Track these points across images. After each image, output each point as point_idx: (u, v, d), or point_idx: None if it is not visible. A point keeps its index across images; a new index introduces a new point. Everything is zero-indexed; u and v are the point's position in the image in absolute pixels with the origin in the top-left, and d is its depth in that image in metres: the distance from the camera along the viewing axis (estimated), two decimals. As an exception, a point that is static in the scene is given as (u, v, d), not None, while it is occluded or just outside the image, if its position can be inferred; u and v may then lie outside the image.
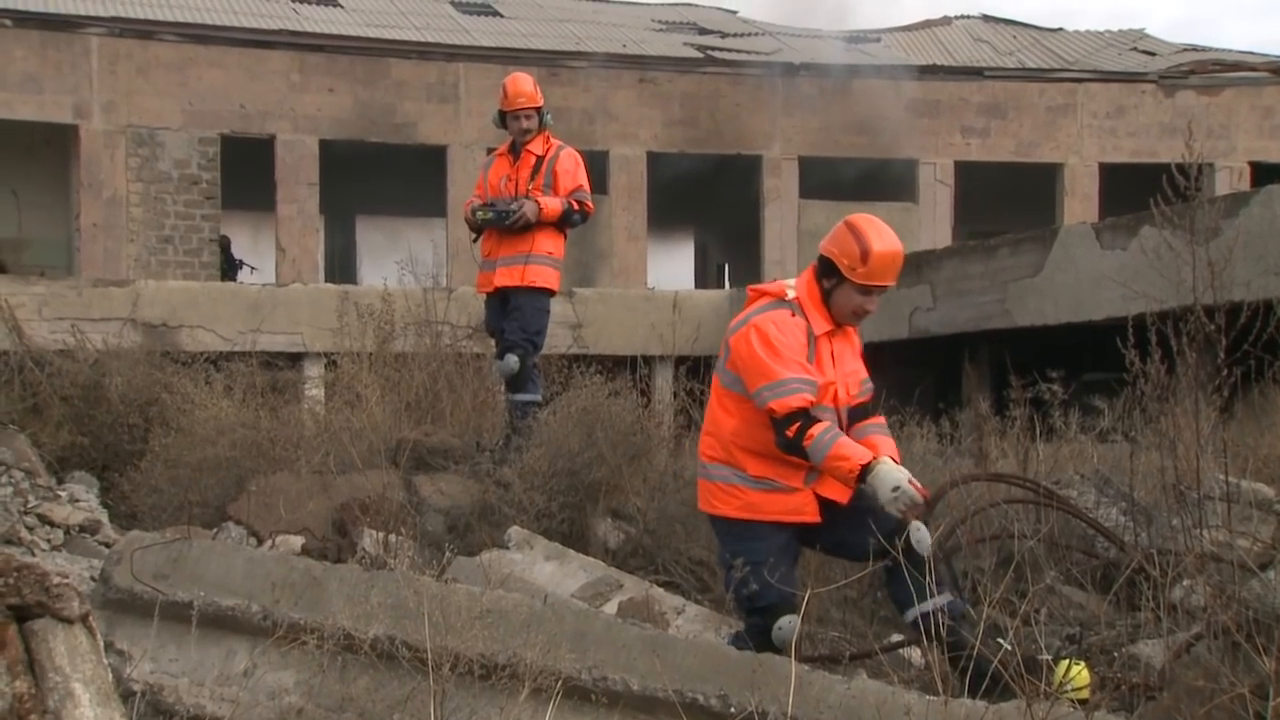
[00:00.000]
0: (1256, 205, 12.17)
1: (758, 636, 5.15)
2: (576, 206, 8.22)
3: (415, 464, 7.70)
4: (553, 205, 8.13)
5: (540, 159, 8.27)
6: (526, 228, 8.12)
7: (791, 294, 5.16)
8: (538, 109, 8.30)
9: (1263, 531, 5.82)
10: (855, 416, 5.24)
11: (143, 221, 24.94)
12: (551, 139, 8.39)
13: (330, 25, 27.51)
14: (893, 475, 4.82)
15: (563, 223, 8.23)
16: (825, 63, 29.00)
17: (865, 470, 4.84)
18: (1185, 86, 29.17)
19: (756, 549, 5.08)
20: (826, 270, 5.10)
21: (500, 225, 8.14)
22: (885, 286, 5.12)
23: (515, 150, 8.33)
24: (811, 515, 5.15)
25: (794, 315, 5.08)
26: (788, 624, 5.00)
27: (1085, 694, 4.58)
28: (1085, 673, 4.70)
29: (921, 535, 4.97)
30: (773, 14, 35.92)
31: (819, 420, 4.94)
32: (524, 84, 8.36)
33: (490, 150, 8.89)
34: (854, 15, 50.22)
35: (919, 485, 4.85)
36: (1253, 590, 4.87)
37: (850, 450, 4.90)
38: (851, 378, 5.23)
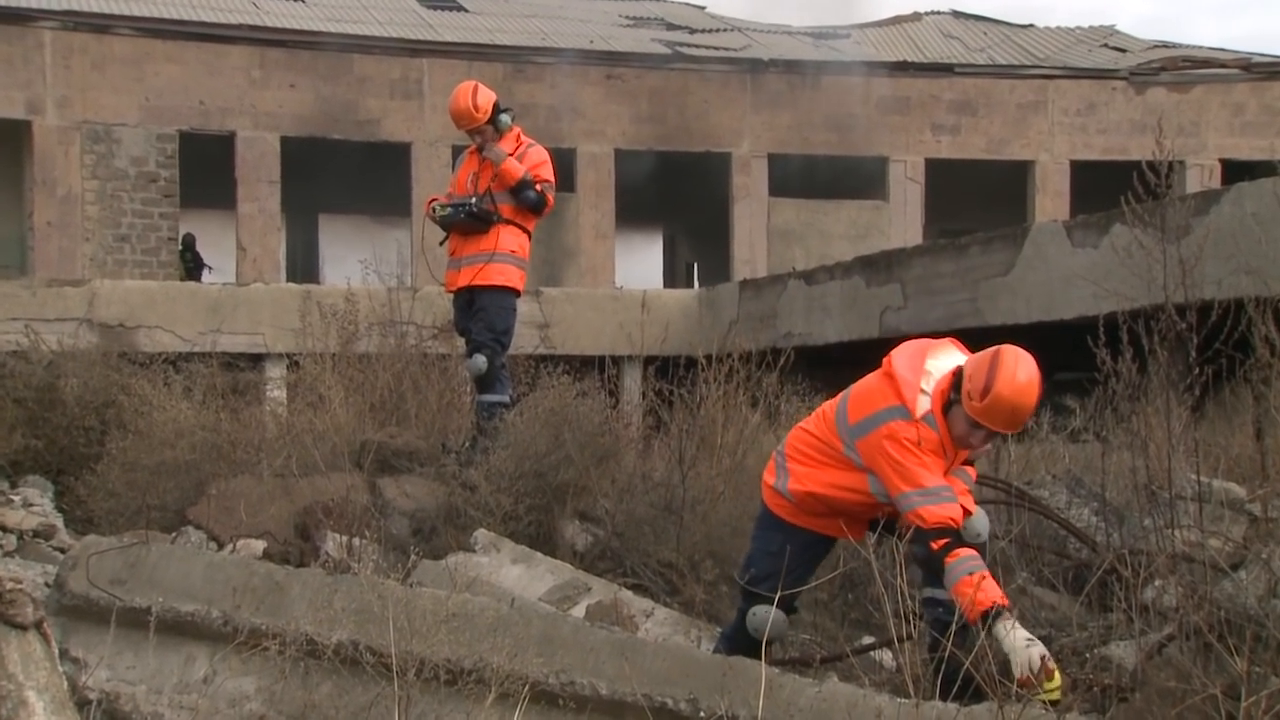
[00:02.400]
0: (1227, 203, 12.21)
1: (738, 620, 5.23)
2: (538, 186, 8.13)
3: (380, 466, 7.67)
4: (513, 168, 8.04)
5: (508, 157, 8.21)
6: (488, 224, 8.05)
7: (927, 404, 4.88)
8: (489, 121, 8.12)
9: (1234, 531, 5.82)
10: None
11: (99, 220, 24.72)
12: (522, 137, 8.31)
13: (291, 20, 27.36)
14: (1019, 634, 4.57)
15: (520, 192, 8.09)
16: (794, 59, 29.05)
17: (993, 613, 4.60)
18: (1156, 83, 29.40)
19: (772, 538, 5.17)
20: (955, 384, 4.84)
21: (458, 220, 8.09)
22: (994, 432, 4.86)
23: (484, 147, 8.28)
24: (858, 534, 5.19)
25: (928, 431, 4.85)
26: (762, 612, 5.04)
27: (1056, 695, 4.54)
28: (1057, 674, 4.66)
29: (973, 522, 4.94)
30: (778, 12, 36.01)
31: (966, 546, 4.78)
32: (459, 103, 8.15)
33: (455, 147, 8.79)
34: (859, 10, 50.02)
35: (1048, 661, 4.54)
36: (1224, 590, 4.86)
37: (989, 586, 4.67)
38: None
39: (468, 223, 8.10)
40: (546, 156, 8.29)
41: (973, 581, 4.64)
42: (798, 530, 5.14)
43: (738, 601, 5.38)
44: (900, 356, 5.04)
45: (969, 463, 5.15)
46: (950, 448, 4.92)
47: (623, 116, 27.81)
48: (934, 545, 4.75)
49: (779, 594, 4.91)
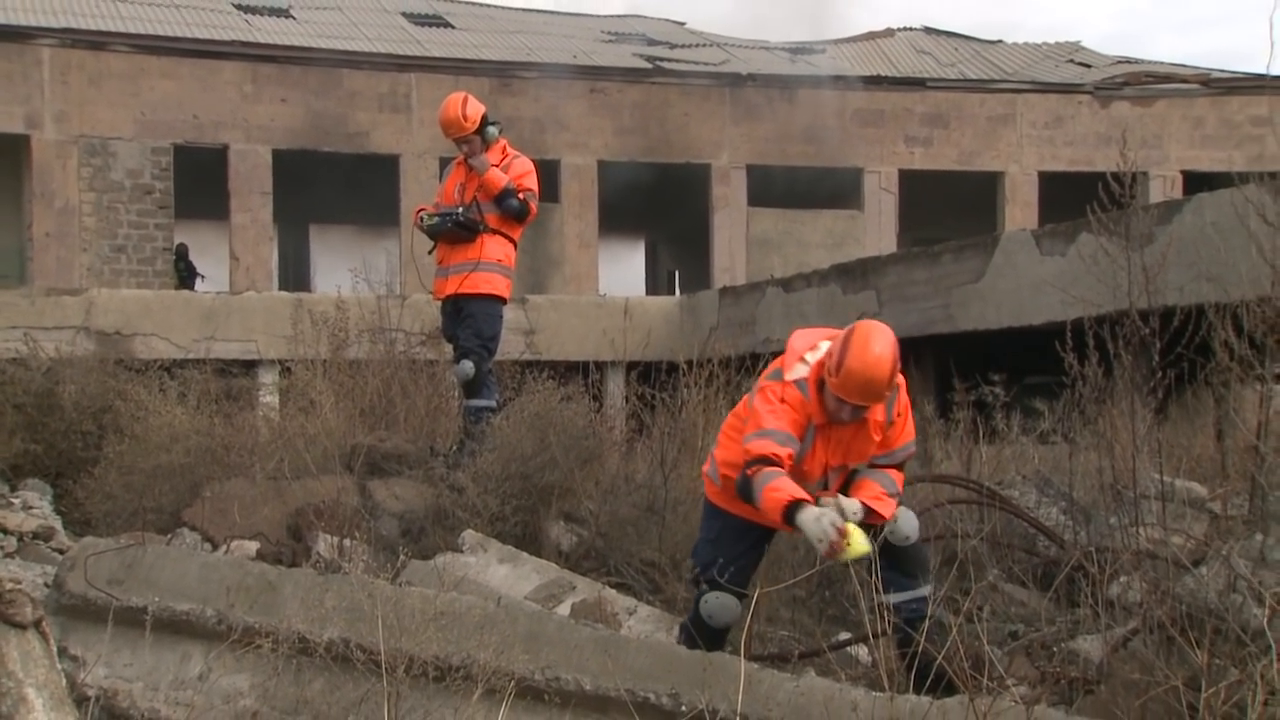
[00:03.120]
0: (1188, 213, 12.37)
1: (694, 608, 5.31)
2: (521, 195, 8.22)
3: (369, 469, 7.69)
4: (496, 179, 8.11)
5: (495, 168, 8.31)
6: (474, 234, 8.16)
7: (803, 371, 5.00)
8: (476, 132, 8.20)
9: (1196, 529, 5.92)
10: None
11: (96, 231, 24.79)
12: (508, 149, 8.37)
13: (282, 36, 27.42)
14: (808, 515, 4.71)
15: (503, 201, 8.17)
16: (772, 73, 29.21)
17: (790, 508, 4.75)
18: (1120, 97, 29.70)
19: (711, 525, 5.31)
20: (826, 360, 4.95)
21: (445, 229, 8.18)
22: (855, 405, 4.92)
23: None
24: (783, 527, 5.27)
25: (794, 391, 4.97)
26: (713, 599, 5.16)
27: (864, 549, 4.62)
28: (852, 531, 4.69)
29: (899, 525, 5.05)
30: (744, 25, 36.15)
31: (773, 466, 4.87)
32: (449, 112, 8.22)
33: (443, 159, 8.89)
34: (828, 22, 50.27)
35: (839, 524, 4.67)
36: (1186, 586, 4.95)
37: (783, 485, 4.80)
38: (854, 453, 5.13)
39: (454, 232, 8.17)
40: (531, 167, 8.36)
41: (772, 487, 4.78)
42: (730, 516, 5.23)
43: (693, 591, 5.50)
44: (799, 335, 5.19)
45: (898, 466, 5.22)
46: (821, 418, 4.98)
47: (605, 129, 27.92)
48: (749, 471, 4.88)
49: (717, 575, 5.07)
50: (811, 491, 5.01)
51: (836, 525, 4.66)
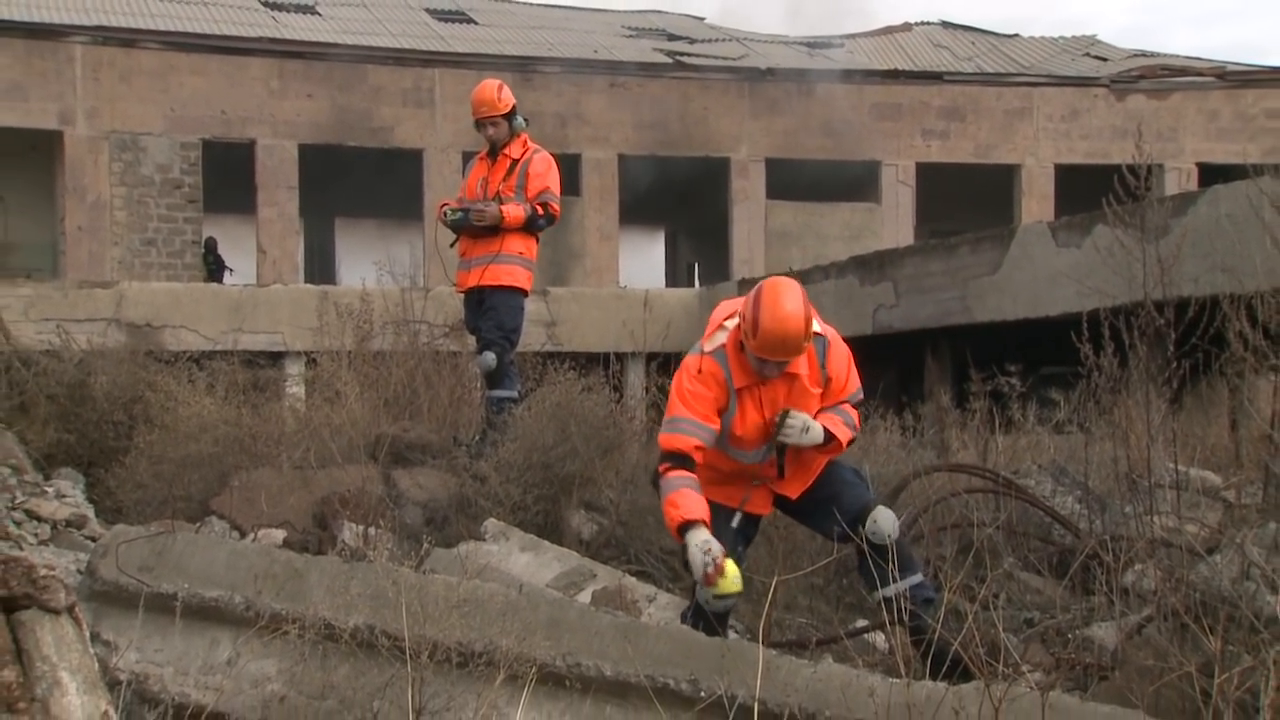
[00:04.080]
0: (1204, 204, 12.35)
1: (691, 596, 5.36)
2: (541, 211, 8.27)
3: (394, 459, 7.73)
4: (516, 213, 8.19)
5: (515, 161, 8.38)
6: (495, 229, 8.24)
7: (722, 338, 5.10)
8: (505, 115, 8.32)
9: (1210, 517, 5.92)
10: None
11: (126, 225, 24.99)
12: (529, 143, 8.44)
13: (309, 33, 27.54)
14: (695, 541, 4.87)
15: (528, 228, 8.31)
16: (791, 68, 29.18)
17: (683, 527, 4.90)
18: (1135, 91, 29.60)
19: None
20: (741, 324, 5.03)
21: (466, 224, 8.27)
22: (777, 361, 5.00)
23: (493, 154, 8.44)
24: (760, 508, 5.35)
25: (709, 364, 5.05)
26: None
27: (732, 588, 4.82)
28: (728, 569, 4.87)
29: (879, 525, 5.09)
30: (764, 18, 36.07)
31: (687, 469, 5.00)
32: (485, 92, 8.37)
33: (466, 154, 8.97)
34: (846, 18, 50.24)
35: (720, 561, 4.84)
36: (1200, 574, 4.98)
37: (683, 502, 4.92)
38: (799, 408, 5.15)
39: (477, 226, 8.30)
40: (550, 164, 8.42)
41: (672, 500, 4.93)
42: (711, 503, 5.21)
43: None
44: (722, 303, 5.29)
45: (849, 402, 5.28)
46: (752, 379, 5.07)
47: (625, 123, 27.95)
48: (660, 467, 5.04)
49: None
50: (759, 458, 5.15)
51: (716, 560, 4.82)
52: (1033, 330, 13.99)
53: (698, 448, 5.04)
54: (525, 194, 8.29)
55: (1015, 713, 3.84)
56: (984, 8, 63.81)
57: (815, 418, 5.18)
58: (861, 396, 5.42)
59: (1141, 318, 5.96)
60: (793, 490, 5.31)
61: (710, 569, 4.84)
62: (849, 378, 5.28)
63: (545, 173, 8.35)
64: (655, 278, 33.41)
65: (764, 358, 4.98)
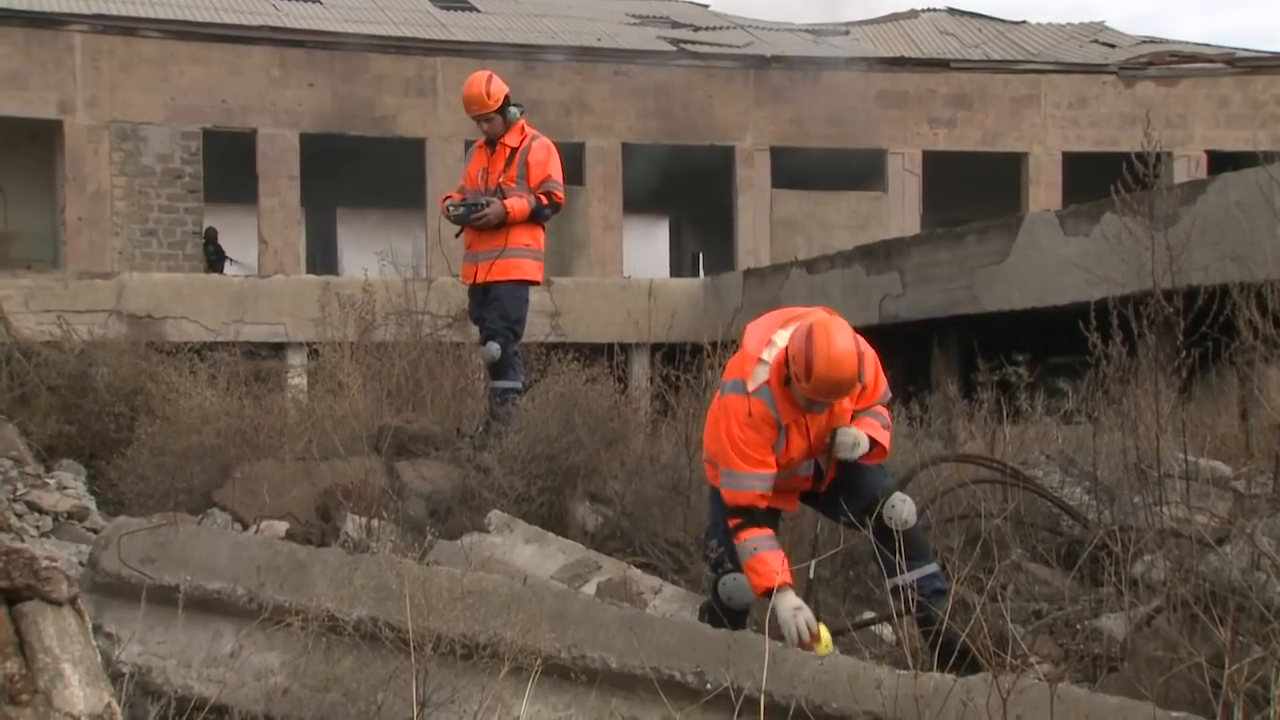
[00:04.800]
0: (1213, 192, 12.31)
1: (712, 592, 5.38)
2: (546, 201, 8.22)
3: (397, 450, 7.73)
4: (519, 206, 8.14)
5: (515, 150, 8.32)
6: (500, 224, 8.21)
7: (764, 375, 5.06)
8: (498, 110, 8.22)
9: (1220, 508, 5.91)
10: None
11: (127, 215, 24.99)
12: (527, 129, 8.37)
13: (310, 21, 27.53)
14: (785, 606, 4.87)
15: (533, 219, 8.26)
16: (796, 55, 29.14)
17: (769, 592, 4.92)
18: (1144, 77, 29.52)
19: (718, 509, 5.32)
20: (787, 361, 5.01)
21: (468, 221, 8.24)
22: (828, 403, 5.01)
23: (491, 143, 8.40)
24: (787, 505, 5.35)
25: (758, 406, 5.02)
26: (730, 581, 5.23)
27: (826, 651, 4.75)
28: (824, 634, 4.88)
29: (895, 511, 5.09)
30: (767, 10, 36.06)
31: (760, 525, 5.03)
32: (474, 88, 8.24)
33: (468, 142, 8.92)
34: (841, 9, 50.37)
35: (812, 626, 4.85)
36: (1210, 564, 4.98)
37: (767, 567, 4.94)
38: (839, 422, 5.19)
39: (480, 225, 8.26)
40: (549, 151, 8.35)
41: (756, 563, 4.95)
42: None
43: (710, 574, 5.55)
44: (752, 329, 5.22)
45: (881, 403, 5.30)
46: (798, 414, 5.06)
47: (629, 112, 27.91)
48: (730, 523, 5.06)
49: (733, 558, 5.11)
50: (806, 472, 5.18)
51: (810, 626, 4.84)
52: (1041, 320, 13.98)
53: (762, 496, 5.07)
54: (527, 183, 8.23)
55: (1023, 704, 3.83)
56: (990, -6, 64.15)
57: (853, 423, 5.19)
58: (890, 396, 5.44)
59: (1150, 307, 5.95)
60: (820, 486, 5.33)
61: (806, 637, 4.82)
62: (879, 382, 5.28)
63: (546, 160, 8.28)
64: (659, 267, 33.40)
65: (817, 400, 4.97)
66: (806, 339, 4.88)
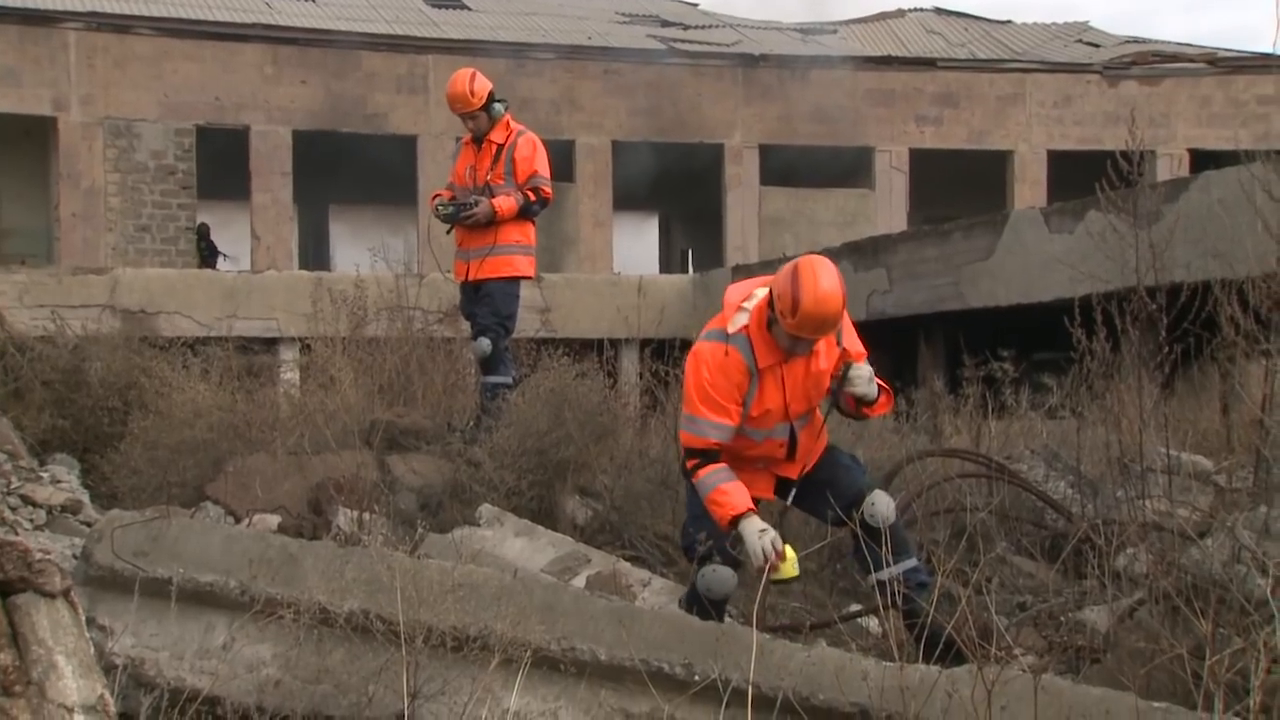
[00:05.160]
0: (1195, 190, 12.33)
1: (691, 583, 5.40)
2: (534, 197, 8.24)
3: (388, 444, 7.73)
4: (508, 205, 8.16)
5: (501, 147, 8.32)
6: (490, 222, 8.23)
7: (744, 320, 5.09)
8: (482, 108, 8.23)
9: (1201, 501, 5.93)
10: None
11: (120, 211, 24.94)
12: (512, 124, 8.37)
13: (303, 19, 27.50)
14: (752, 529, 4.95)
15: (522, 215, 8.28)
16: (784, 54, 29.17)
17: (735, 520, 4.98)
18: (1128, 77, 29.62)
19: (695, 500, 5.32)
20: (771, 303, 5.02)
21: (457, 220, 8.26)
22: (812, 340, 5.03)
23: (478, 140, 8.42)
24: (763, 492, 5.36)
25: (733, 352, 5.05)
26: (709, 572, 5.21)
27: (792, 572, 4.90)
28: (789, 553, 4.95)
29: (876, 509, 5.11)
30: (752, 9, 36.04)
31: (714, 463, 5.07)
32: (458, 86, 8.26)
33: (460, 139, 8.93)
34: (827, 9, 50.42)
35: (778, 546, 4.92)
36: (1191, 557, 5.00)
37: (729, 497, 5.00)
38: (813, 391, 5.21)
39: (469, 224, 8.26)
40: (535, 147, 8.34)
41: (719, 493, 5.01)
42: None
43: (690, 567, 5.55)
44: (733, 289, 5.27)
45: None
46: (777, 357, 5.08)
47: (619, 109, 27.92)
48: (687, 464, 5.12)
49: (715, 549, 5.13)
50: (774, 435, 5.19)
51: (776, 546, 4.89)
52: (1026, 316, 13.99)
53: (718, 444, 5.09)
54: (514, 179, 8.25)
55: (1008, 695, 3.85)
56: (975, -6, 64.42)
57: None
58: (865, 353, 5.42)
59: (1134, 303, 5.97)
60: (793, 471, 5.32)
61: (772, 556, 4.88)
62: (854, 343, 5.30)
63: (532, 156, 8.29)
64: (649, 264, 33.37)
65: (801, 336, 4.98)
66: (793, 275, 4.92)
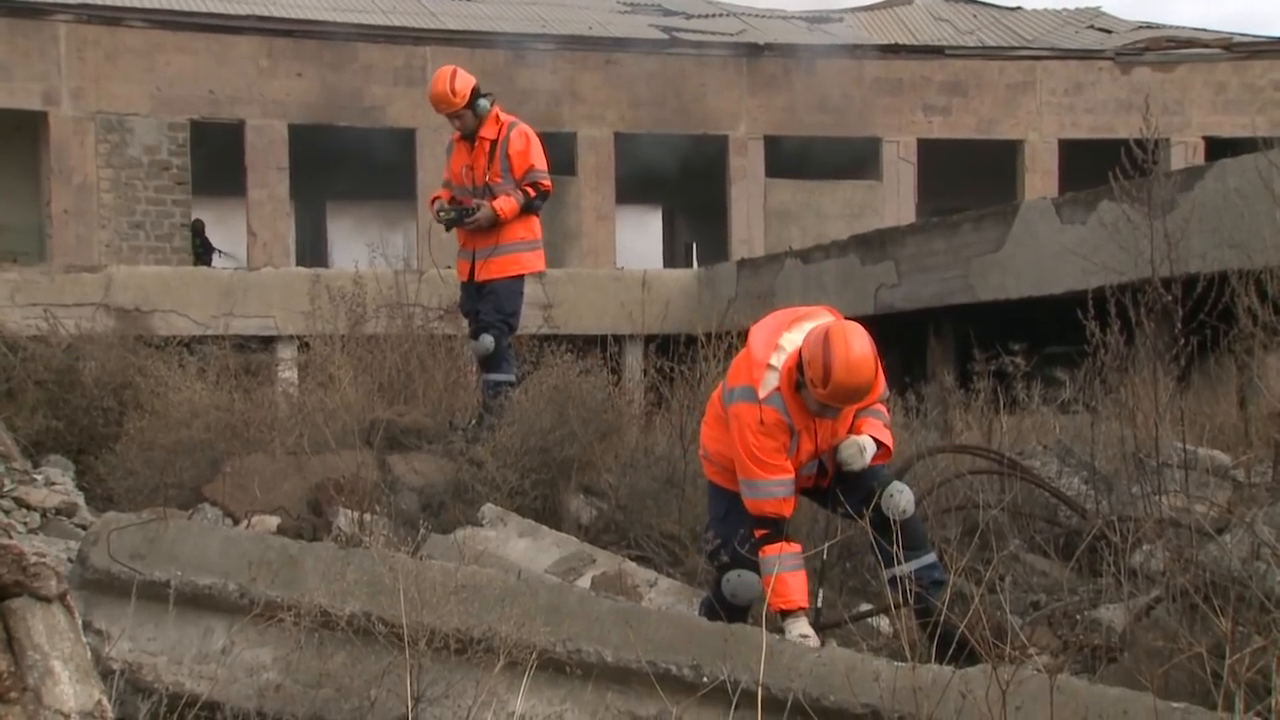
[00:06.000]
0: (1211, 179, 12.26)
1: (715, 588, 5.36)
2: (534, 193, 8.19)
3: (389, 444, 7.71)
4: (509, 206, 8.10)
5: (494, 143, 8.23)
6: (492, 226, 8.16)
7: (774, 381, 5.04)
8: (467, 105, 8.14)
9: (1219, 497, 5.91)
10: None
11: (114, 207, 24.87)
12: (502, 117, 8.28)
13: (298, 9, 27.40)
14: (794, 633, 4.92)
15: (524, 213, 8.22)
16: (789, 43, 29.09)
17: (784, 614, 4.98)
18: (1141, 63, 29.47)
19: (718, 504, 5.37)
20: (800, 366, 4.99)
21: (460, 225, 8.21)
22: (840, 409, 5.01)
23: (469, 137, 8.33)
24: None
25: (772, 413, 5.02)
26: (734, 577, 5.21)
27: None
28: None
29: (894, 500, 5.08)
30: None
31: (783, 538, 5.07)
32: (439, 86, 8.16)
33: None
34: None
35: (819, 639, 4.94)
36: (1209, 554, 4.97)
37: (788, 589, 4.99)
38: (841, 428, 5.20)
39: (471, 226, 8.20)
40: (528, 140, 8.25)
41: (784, 580, 4.97)
42: (735, 494, 5.26)
43: (711, 567, 5.56)
44: (758, 332, 5.20)
45: (880, 400, 5.30)
46: (808, 419, 5.06)
47: (621, 101, 27.84)
48: (755, 533, 5.06)
49: (738, 556, 5.11)
50: (810, 471, 5.20)
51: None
52: (1037, 308, 13.96)
53: (785, 501, 5.10)
54: (512, 175, 8.18)
55: (1022, 696, 3.83)
56: (985, -20, 64.39)
57: (857, 426, 5.21)
58: (888, 393, 5.46)
59: (1148, 295, 5.95)
60: (821, 480, 5.34)
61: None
62: (879, 380, 5.24)
63: (526, 149, 8.21)
64: (652, 258, 33.34)
65: (833, 405, 4.97)
66: (824, 345, 4.86)
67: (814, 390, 4.91)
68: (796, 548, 5.11)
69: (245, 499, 6.83)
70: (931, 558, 5.21)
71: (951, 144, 28.96)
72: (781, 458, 5.06)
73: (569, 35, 28.02)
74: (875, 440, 5.16)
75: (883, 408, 5.34)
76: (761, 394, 5.04)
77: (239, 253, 26.46)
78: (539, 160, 8.25)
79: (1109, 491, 6.26)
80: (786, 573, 4.99)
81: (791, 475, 5.09)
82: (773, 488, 5.07)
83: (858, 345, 4.85)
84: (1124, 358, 6.12)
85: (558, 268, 23.51)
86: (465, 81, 8.17)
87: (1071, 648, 4.98)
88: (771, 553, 5.03)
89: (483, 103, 8.20)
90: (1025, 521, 6.28)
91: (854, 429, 5.21)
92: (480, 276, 8.25)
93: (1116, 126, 27.28)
